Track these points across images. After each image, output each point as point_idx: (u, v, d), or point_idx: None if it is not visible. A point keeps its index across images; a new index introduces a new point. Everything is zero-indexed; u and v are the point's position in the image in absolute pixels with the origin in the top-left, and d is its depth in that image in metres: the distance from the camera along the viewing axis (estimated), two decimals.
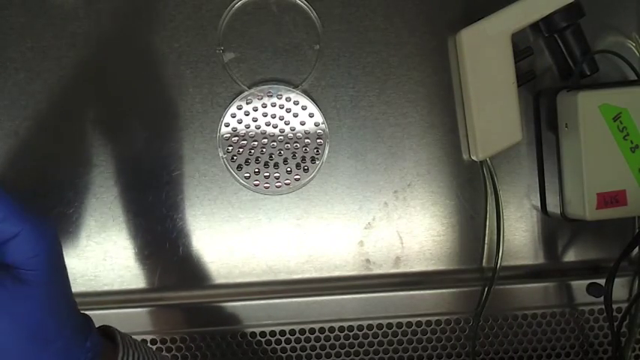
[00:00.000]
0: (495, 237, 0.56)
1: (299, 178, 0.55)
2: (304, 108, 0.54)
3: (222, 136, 0.54)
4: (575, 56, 0.53)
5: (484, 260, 0.57)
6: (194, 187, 0.55)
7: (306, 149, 0.55)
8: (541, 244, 0.58)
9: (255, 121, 0.54)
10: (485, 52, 0.52)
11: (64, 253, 0.34)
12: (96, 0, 0.53)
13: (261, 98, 0.54)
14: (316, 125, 0.54)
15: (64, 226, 0.54)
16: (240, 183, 0.55)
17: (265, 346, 0.56)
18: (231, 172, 0.54)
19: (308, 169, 0.55)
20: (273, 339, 0.56)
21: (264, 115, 0.54)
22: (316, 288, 0.56)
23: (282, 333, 0.56)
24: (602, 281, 0.55)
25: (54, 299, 0.33)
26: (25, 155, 0.53)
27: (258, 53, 0.54)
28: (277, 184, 0.55)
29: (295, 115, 0.54)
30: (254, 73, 0.54)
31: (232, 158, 0.54)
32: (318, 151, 0.55)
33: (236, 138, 0.54)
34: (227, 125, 0.54)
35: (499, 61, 0.52)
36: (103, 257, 0.54)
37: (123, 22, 0.53)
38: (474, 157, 0.55)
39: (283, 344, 0.56)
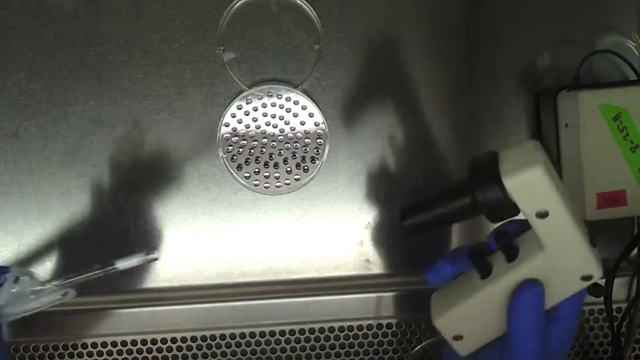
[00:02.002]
0: None
1: (299, 178, 0.55)
2: (304, 108, 0.54)
3: (222, 136, 0.54)
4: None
5: None
6: (194, 187, 0.55)
7: (306, 149, 0.55)
8: None
9: (255, 121, 0.54)
10: None
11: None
12: (96, 0, 0.53)
13: (261, 98, 0.54)
14: (316, 125, 0.54)
15: (65, 226, 0.54)
16: (240, 183, 0.54)
17: (265, 346, 0.56)
18: (231, 172, 0.54)
19: (308, 169, 0.55)
20: (273, 339, 0.56)
21: (264, 115, 0.54)
22: (316, 288, 0.56)
23: (282, 333, 0.56)
24: (602, 281, 0.55)
25: None
26: (25, 155, 0.53)
27: (258, 53, 0.54)
28: (277, 184, 0.55)
29: (295, 115, 0.54)
30: (254, 73, 0.54)
31: (232, 158, 0.54)
32: (318, 151, 0.55)
33: (236, 138, 0.54)
34: (227, 125, 0.54)
35: None
36: (102, 257, 0.54)
37: (123, 22, 0.53)
38: None
39: (283, 344, 0.56)
